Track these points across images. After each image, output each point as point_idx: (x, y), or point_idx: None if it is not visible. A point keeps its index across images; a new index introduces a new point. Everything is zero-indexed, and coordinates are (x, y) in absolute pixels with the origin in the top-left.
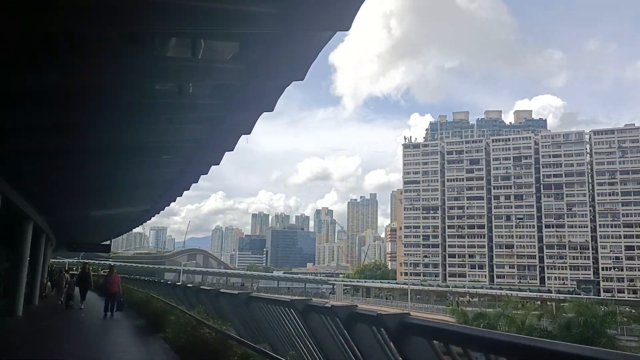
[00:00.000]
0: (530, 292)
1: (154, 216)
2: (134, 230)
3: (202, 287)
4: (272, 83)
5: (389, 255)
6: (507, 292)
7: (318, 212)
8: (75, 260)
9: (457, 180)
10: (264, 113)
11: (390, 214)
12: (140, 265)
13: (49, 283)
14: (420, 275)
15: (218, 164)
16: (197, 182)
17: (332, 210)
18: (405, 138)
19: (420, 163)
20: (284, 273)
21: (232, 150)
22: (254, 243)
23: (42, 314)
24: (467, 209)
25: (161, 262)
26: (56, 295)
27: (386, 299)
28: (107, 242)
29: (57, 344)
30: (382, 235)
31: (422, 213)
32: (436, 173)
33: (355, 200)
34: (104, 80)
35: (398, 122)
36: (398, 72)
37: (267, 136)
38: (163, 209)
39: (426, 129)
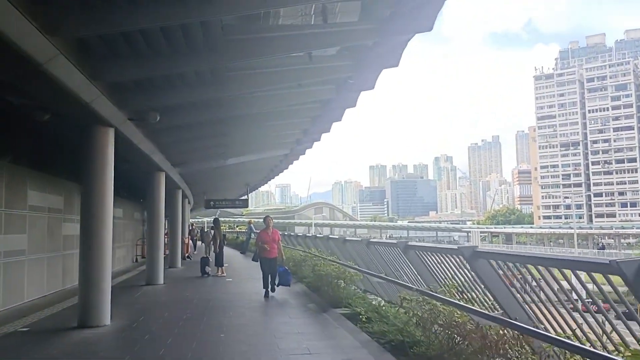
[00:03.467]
0: None
1: (291, 163)
2: (260, 189)
3: (347, 238)
4: (399, 38)
5: (518, 199)
6: None
7: (437, 159)
8: (212, 219)
9: (600, 110)
10: None
11: (516, 155)
12: (275, 220)
13: (190, 242)
14: (561, 218)
15: (340, 120)
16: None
17: (451, 157)
18: (535, 69)
19: (556, 95)
20: (408, 222)
21: (354, 106)
22: (373, 194)
23: (187, 283)
24: (615, 141)
25: (290, 216)
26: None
27: (544, 244)
28: (245, 197)
29: (214, 334)
30: (509, 179)
31: (561, 150)
32: (575, 104)
33: (476, 144)
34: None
35: (519, 56)
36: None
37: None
38: (304, 153)
39: (555, 58)
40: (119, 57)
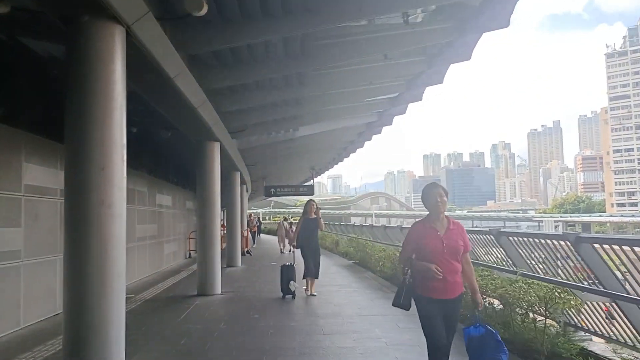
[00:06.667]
0: None
1: (369, 139)
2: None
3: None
4: (474, 36)
5: (582, 186)
6: None
7: (494, 146)
8: (267, 210)
9: None
10: None
11: (579, 141)
12: (331, 210)
13: (250, 235)
14: (637, 206)
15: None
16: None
17: (509, 144)
18: (607, 46)
19: (630, 73)
20: (467, 212)
21: (421, 99)
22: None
23: (254, 294)
24: None
25: (346, 206)
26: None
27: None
28: (310, 183)
29: None
30: (570, 166)
31: (636, 132)
32: None
33: (536, 130)
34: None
35: (580, 37)
36: None
37: None
38: (390, 124)
39: (623, 37)
40: None
